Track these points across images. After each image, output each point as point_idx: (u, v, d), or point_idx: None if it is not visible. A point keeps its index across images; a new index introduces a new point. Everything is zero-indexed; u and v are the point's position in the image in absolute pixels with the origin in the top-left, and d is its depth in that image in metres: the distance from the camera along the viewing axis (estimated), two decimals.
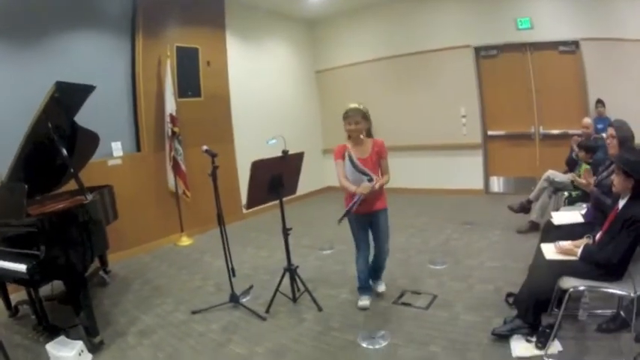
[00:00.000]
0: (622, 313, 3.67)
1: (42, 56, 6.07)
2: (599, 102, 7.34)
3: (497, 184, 8.90)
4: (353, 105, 4.43)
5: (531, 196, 6.47)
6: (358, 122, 4.41)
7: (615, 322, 3.68)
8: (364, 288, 4.78)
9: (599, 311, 3.93)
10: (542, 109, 8.11)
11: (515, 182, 8.63)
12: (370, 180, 4.39)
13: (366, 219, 4.59)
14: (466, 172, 8.84)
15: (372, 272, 4.87)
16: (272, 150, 4.71)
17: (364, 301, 4.71)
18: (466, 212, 7.68)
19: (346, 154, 4.47)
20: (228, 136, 8.55)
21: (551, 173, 6.35)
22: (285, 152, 4.66)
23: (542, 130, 8.13)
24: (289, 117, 9.66)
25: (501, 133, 8.58)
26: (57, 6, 6.21)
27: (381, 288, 4.95)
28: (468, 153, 8.74)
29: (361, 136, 4.50)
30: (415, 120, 9.09)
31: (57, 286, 4.75)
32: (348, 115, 4.44)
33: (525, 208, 6.52)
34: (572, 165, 6.28)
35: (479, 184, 8.79)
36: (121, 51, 7.09)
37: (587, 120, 6.36)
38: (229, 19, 8.52)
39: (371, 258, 4.79)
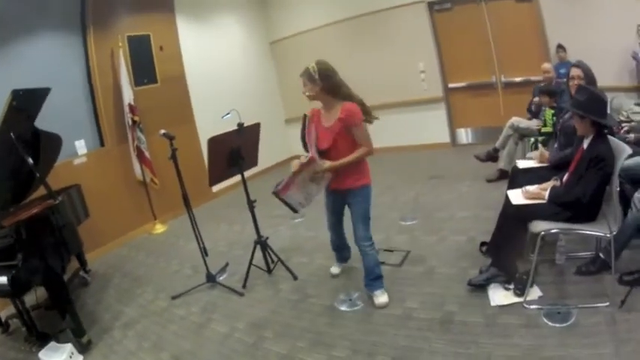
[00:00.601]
0: (601, 254, 3.68)
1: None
2: (560, 47, 7.32)
3: (464, 135, 8.92)
4: (310, 65, 3.76)
5: (497, 144, 6.51)
6: (305, 84, 3.78)
7: (595, 264, 3.70)
8: (335, 254, 4.66)
9: (578, 254, 3.97)
10: (501, 58, 8.10)
11: (482, 132, 8.64)
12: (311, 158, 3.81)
13: (336, 198, 4.12)
14: (431, 127, 8.85)
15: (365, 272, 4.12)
16: (231, 125, 4.68)
17: (333, 268, 4.67)
18: (434, 167, 7.72)
19: (307, 121, 3.98)
20: (189, 118, 8.47)
21: (515, 120, 6.39)
22: (240, 125, 4.63)
23: (503, 79, 8.13)
24: (246, 91, 9.56)
25: (462, 84, 8.57)
26: (4, 13, 6.06)
27: (380, 299, 3.97)
28: (430, 107, 8.75)
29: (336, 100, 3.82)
30: (375, 80, 8.96)
31: (41, 294, 4.74)
32: (301, 76, 3.82)
33: (492, 156, 6.56)
34: (534, 113, 6.33)
35: (445, 138, 8.81)
36: (73, 48, 6.95)
37: (547, 65, 6.40)
38: (178, 2, 8.38)
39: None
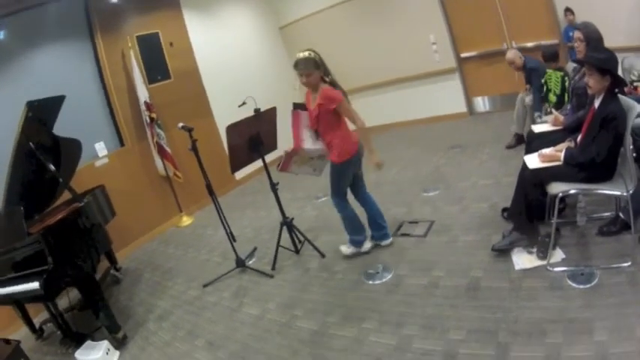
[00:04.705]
0: (621, 214, 3.67)
1: (8, 79, 6.05)
2: (568, 10, 7.19)
3: (481, 104, 8.85)
4: (302, 54, 4.07)
5: (516, 128, 6.46)
6: (310, 74, 4.07)
7: (615, 225, 3.69)
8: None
9: (599, 215, 3.95)
10: (510, 24, 7.99)
11: (499, 100, 8.59)
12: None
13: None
14: (447, 98, 8.78)
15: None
16: (249, 113, 4.73)
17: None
18: (453, 137, 7.68)
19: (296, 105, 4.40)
20: (206, 110, 8.55)
21: (521, 96, 6.36)
22: (257, 111, 4.69)
23: (515, 45, 8.06)
24: (261, 78, 9.55)
25: (475, 53, 8.49)
26: (12, 28, 6.18)
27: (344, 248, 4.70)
28: (445, 78, 8.68)
29: (322, 85, 4.14)
30: (388, 56, 8.98)
31: (73, 296, 4.87)
32: (297, 67, 4.08)
33: (520, 139, 6.48)
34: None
35: (462, 108, 8.74)
36: (83, 55, 7.04)
37: (510, 55, 6.34)
38: None
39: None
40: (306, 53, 4.05)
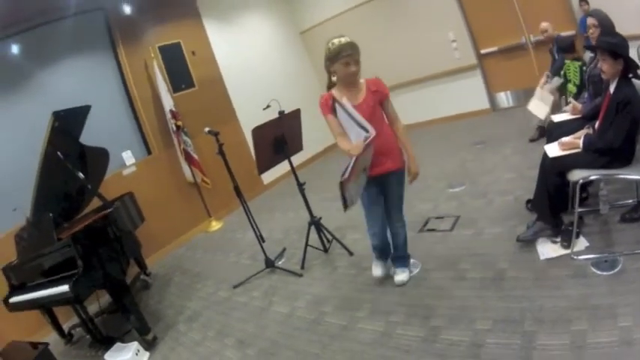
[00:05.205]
0: None
1: (33, 93, 6.25)
2: (583, 0, 7.20)
3: (504, 99, 8.83)
4: (344, 39, 3.39)
5: (538, 121, 6.46)
6: (358, 61, 3.45)
7: (637, 211, 3.68)
8: (378, 253, 4.16)
9: (621, 203, 3.95)
10: (527, 17, 7.95)
11: (523, 94, 8.51)
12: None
13: (377, 184, 3.72)
14: (469, 95, 8.77)
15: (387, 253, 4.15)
16: (274, 116, 4.84)
17: (378, 270, 4.15)
18: (477, 133, 7.67)
19: (337, 105, 3.45)
20: (232, 116, 8.65)
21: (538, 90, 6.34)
22: (281, 112, 4.78)
23: (533, 38, 8.04)
24: (284, 83, 9.63)
25: (494, 49, 8.46)
26: (36, 44, 6.36)
27: (401, 277, 4.03)
28: (466, 75, 8.68)
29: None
30: (408, 56, 9.01)
31: (104, 301, 5.00)
32: (347, 54, 3.37)
33: (543, 132, 6.47)
34: (557, 70, 6.25)
35: (484, 104, 8.72)
36: (106, 66, 7.22)
37: (544, 24, 6.32)
38: (202, 5, 8.55)
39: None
40: (347, 38, 3.41)
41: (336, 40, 3.40)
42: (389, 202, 3.85)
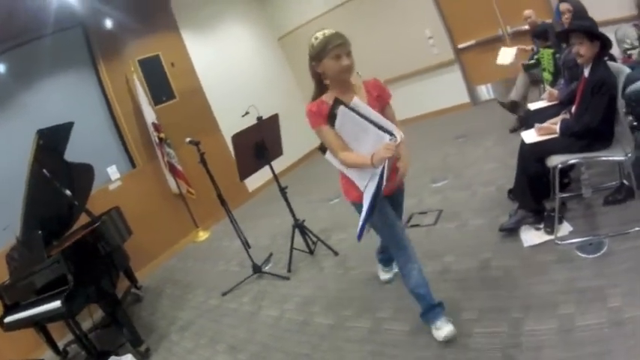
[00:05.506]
0: (625, 182, 3.69)
1: (16, 112, 6.27)
2: None
3: (485, 92, 8.87)
4: (329, 31, 2.83)
5: (514, 95, 6.52)
6: (350, 53, 2.82)
7: (621, 193, 3.70)
8: (382, 256, 3.93)
9: (604, 186, 3.97)
10: (503, 9, 8.01)
11: (503, 85, 8.55)
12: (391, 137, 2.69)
13: (390, 202, 3.19)
14: (449, 90, 8.78)
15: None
16: (254, 122, 4.88)
17: (385, 274, 4.02)
18: (458, 127, 7.69)
19: (341, 109, 2.73)
20: (213, 125, 8.66)
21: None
22: (259, 118, 4.82)
23: (510, 29, 8.10)
24: (264, 90, 9.61)
25: (472, 42, 8.50)
26: (18, 63, 6.38)
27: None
28: (445, 71, 8.71)
29: (357, 75, 3.02)
30: (387, 54, 9.02)
31: (97, 317, 5.01)
32: (336, 44, 2.75)
33: (515, 109, 6.54)
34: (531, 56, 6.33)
35: (465, 98, 8.75)
36: (88, 82, 7.23)
37: (528, 11, 6.38)
38: (179, 17, 8.55)
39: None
40: (327, 30, 2.85)
41: (319, 34, 2.84)
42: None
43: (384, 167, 2.63)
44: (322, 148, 3.07)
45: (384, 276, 4.02)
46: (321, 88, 2.99)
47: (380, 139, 2.68)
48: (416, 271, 3.09)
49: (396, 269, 3.90)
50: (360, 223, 2.82)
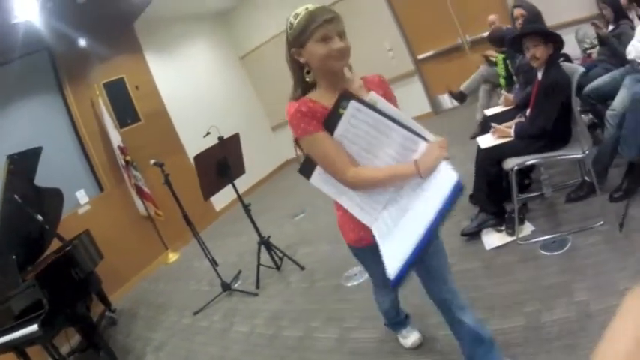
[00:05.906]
0: (587, 178, 3.76)
1: None
2: None
3: (447, 100, 8.99)
4: (312, 5, 2.01)
5: (464, 87, 6.67)
6: (344, 34, 2.05)
7: (582, 189, 3.79)
8: (398, 323, 3.17)
9: (565, 184, 4.08)
10: (461, 18, 8.18)
11: None
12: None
13: None
14: (410, 100, 8.84)
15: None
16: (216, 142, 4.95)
17: (412, 339, 3.13)
18: None
19: (347, 109, 1.95)
20: (178, 146, 8.68)
21: (483, 67, 6.56)
22: (220, 138, 4.87)
23: (469, 38, 8.27)
24: (228, 109, 9.68)
25: (432, 53, 8.69)
26: None
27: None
28: (405, 82, 8.87)
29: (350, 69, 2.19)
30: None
31: (74, 341, 5.03)
32: (323, 19, 1.94)
33: (460, 97, 6.70)
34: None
35: (426, 108, 8.93)
36: (54, 106, 7.20)
37: (492, 17, 6.52)
38: (143, 40, 8.59)
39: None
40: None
41: (300, 10, 2.01)
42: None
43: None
44: (305, 170, 2.19)
45: (410, 339, 3.14)
46: (303, 87, 2.14)
47: (411, 145, 2.03)
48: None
49: (413, 328, 3.21)
50: (403, 262, 1.93)
